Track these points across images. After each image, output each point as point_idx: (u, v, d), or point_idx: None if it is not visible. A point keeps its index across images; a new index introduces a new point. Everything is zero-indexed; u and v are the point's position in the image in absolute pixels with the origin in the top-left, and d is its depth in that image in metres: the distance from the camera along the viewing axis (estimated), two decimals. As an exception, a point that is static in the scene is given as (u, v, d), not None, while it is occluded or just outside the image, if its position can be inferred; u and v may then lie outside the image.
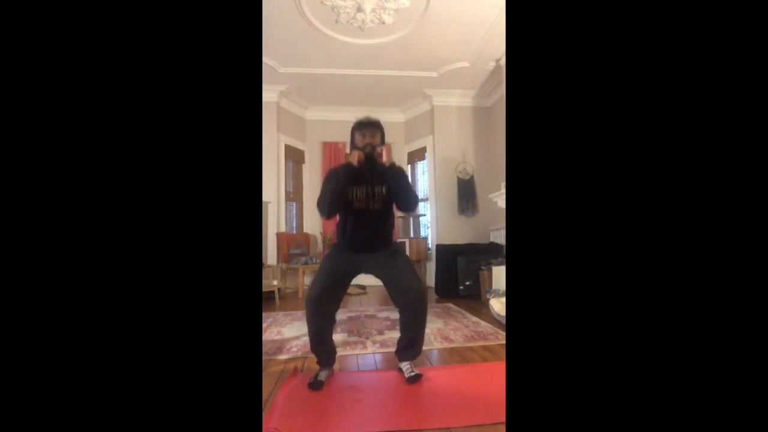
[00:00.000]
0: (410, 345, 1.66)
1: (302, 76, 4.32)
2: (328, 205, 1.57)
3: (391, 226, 1.73)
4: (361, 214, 1.62)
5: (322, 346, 1.62)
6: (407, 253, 4.51)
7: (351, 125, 1.71)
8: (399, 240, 4.70)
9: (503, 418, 1.20)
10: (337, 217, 1.70)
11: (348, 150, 1.73)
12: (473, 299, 3.75)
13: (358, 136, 1.65)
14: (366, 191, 1.62)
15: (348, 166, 1.56)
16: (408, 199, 1.63)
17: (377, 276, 1.67)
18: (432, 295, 4.15)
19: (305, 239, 4.70)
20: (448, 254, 4.13)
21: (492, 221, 4.55)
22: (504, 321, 2.61)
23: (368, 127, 1.65)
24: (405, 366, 1.66)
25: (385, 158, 1.57)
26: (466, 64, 4.10)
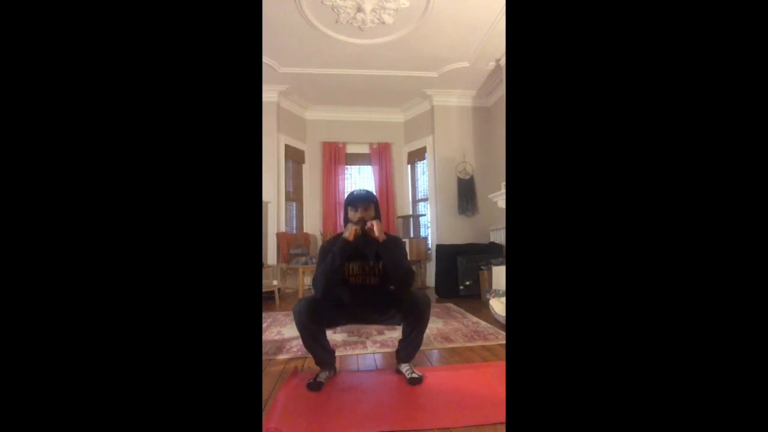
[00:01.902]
0: (410, 346, 1.66)
1: (302, 76, 4.33)
2: (324, 285, 1.52)
3: (390, 296, 1.67)
4: (358, 289, 1.61)
5: (319, 348, 1.63)
6: (407, 252, 4.50)
7: (348, 194, 1.67)
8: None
9: (503, 418, 1.20)
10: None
11: (341, 221, 1.70)
12: (473, 299, 3.75)
13: (351, 210, 1.61)
14: (362, 266, 1.61)
15: (343, 243, 1.52)
16: (400, 275, 1.56)
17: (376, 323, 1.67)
18: (432, 295, 4.15)
19: (305, 239, 4.70)
20: (448, 254, 4.13)
21: (492, 221, 4.55)
22: (504, 321, 2.61)
23: (361, 202, 1.60)
24: (405, 367, 1.66)
25: (377, 233, 1.52)
26: (466, 64, 4.10)
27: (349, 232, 1.52)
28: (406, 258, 1.67)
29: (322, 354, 1.64)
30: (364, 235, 1.54)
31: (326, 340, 1.67)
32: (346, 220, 1.63)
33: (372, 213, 1.61)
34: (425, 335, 2.34)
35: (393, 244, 1.57)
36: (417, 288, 1.69)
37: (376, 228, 1.51)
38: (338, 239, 1.60)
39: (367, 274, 1.61)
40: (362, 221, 1.56)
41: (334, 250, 1.52)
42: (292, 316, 3.07)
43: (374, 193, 1.72)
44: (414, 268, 4.63)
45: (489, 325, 2.62)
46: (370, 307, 1.64)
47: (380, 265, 1.61)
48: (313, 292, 1.58)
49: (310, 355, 1.68)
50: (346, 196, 1.67)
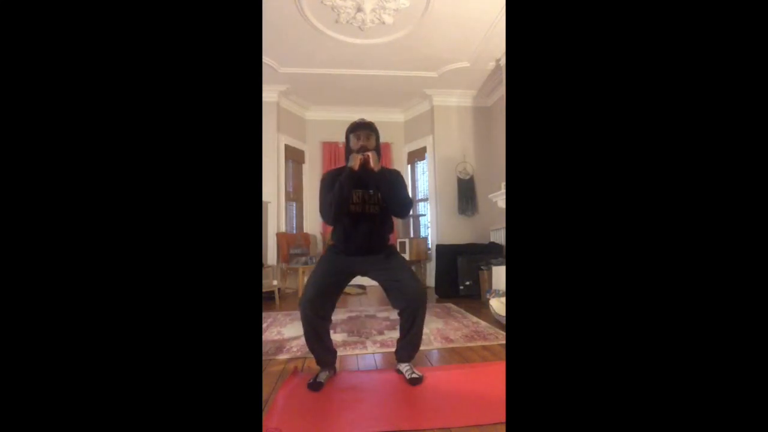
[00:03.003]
0: (409, 345, 1.66)
1: (302, 76, 4.33)
2: (334, 212, 1.57)
3: (389, 229, 1.73)
4: (358, 217, 1.63)
5: (319, 346, 1.63)
6: (407, 253, 4.51)
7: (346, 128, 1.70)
8: (399, 240, 4.69)
9: (503, 418, 1.20)
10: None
11: (344, 152, 1.71)
12: (473, 299, 3.75)
13: (353, 139, 1.66)
14: (362, 195, 1.63)
15: (350, 172, 1.55)
16: (397, 206, 1.64)
17: (374, 278, 1.68)
18: (432, 295, 4.15)
19: (305, 239, 4.70)
20: (448, 254, 4.13)
21: (492, 221, 4.54)
22: (504, 321, 2.61)
23: (363, 129, 1.65)
24: (405, 367, 1.66)
25: (372, 164, 1.55)
26: (466, 64, 4.10)
27: (354, 162, 1.55)
28: (404, 189, 1.71)
29: (323, 353, 1.64)
30: (365, 165, 1.57)
31: (329, 338, 1.67)
32: (348, 149, 1.67)
33: (373, 142, 1.66)
34: (425, 335, 2.35)
35: (389, 175, 1.62)
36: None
37: (372, 159, 1.55)
38: (342, 170, 1.63)
39: (367, 203, 1.63)
40: (363, 149, 1.60)
41: (341, 179, 1.55)
42: (292, 316, 3.07)
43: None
44: (414, 268, 4.64)
45: (489, 325, 2.62)
46: (368, 238, 1.64)
47: (379, 195, 1.64)
48: (321, 220, 1.63)
49: (310, 355, 1.68)
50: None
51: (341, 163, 1.69)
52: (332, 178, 1.63)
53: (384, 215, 1.68)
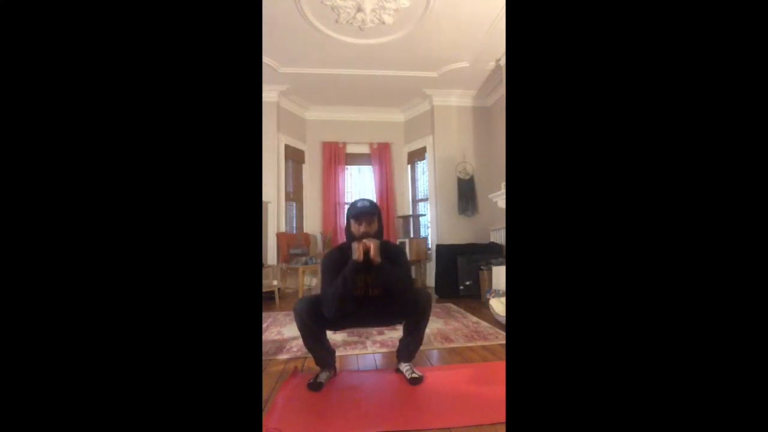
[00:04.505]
0: (411, 345, 1.67)
1: (302, 76, 4.32)
2: (337, 307, 1.52)
3: (399, 308, 1.64)
4: (362, 300, 1.61)
5: (320, 347, 1.63)
6: (407, 252, 4.50)
7: (348, 213, 1.65)
8: (399, 240, 4.69)
9: (503, 418, 1.20)
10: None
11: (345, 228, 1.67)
12: (473, 299, 3.75)
13: (354, 224, 1.60)
14: (365, 279, 1.60)
15: (354, 265, 1.51)
16: (396, 292, 1.57)
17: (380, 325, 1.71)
18: (432, 295, 4.15)
19: (305, 239, 4.70)
20: (448, 254, 4.13)
21: (492, 221, 4.54)
22: (504, 321, 2.61)
23: (365, 216, 1.59)
24: (405, 367, 1.66)
25: (372, 256, 1.50)
26: (466, 64, 4.10)
27: (358, 253, 1.50)
28: (406, 271, 1.67)
29: (323, 354, 1.64)
30: (366, 255, 1.53)
31: (327, 339, 1.67)
32: (349, 232, 1.62)
33: (375, 226, 1.60)
34: (425, 335, 2.35)
35: (388, 266, 1.55)
36: (418, 287, 1.68)
37: (372, 251, 1.50)
38: (341, 253, 1.60)
39: (370, 286, 1.61)
40: (365, 235, 1.55)
41: (345, 273, 1.51)
42: (292, 316, 3.07)
43: (376, 203, 1.71)
44: (414, 268, 4.63)
45: (489, 325, 2.62)
46: (373, 316, 1.66)
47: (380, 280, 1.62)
48: (324, 312, 1.56)
49: (310, 355, 1.68)
50: (348, 206, 1.65)
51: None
52: (334, 262, 1.59)
53: (386, 296, 1.62)
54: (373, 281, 1.60)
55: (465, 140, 4.90)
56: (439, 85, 4.58)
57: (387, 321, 1.68)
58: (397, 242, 4.65)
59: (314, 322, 1.55)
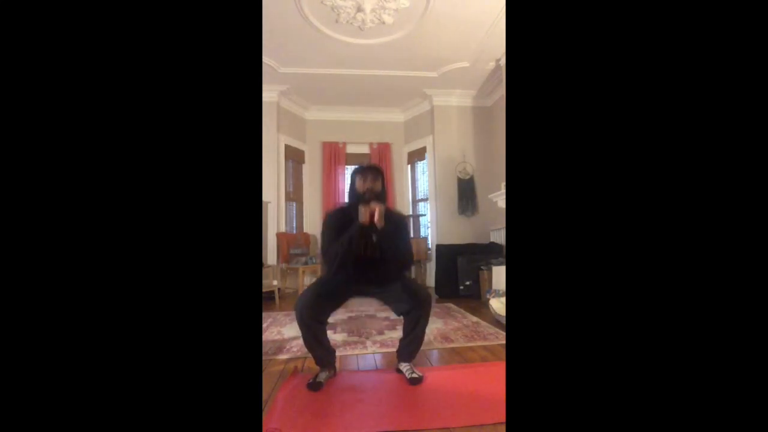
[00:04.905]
0: (411, 345, 1.67)
1: (302, 76, 4.32)
2: (339, 264, 1.56)
3: (395, 269, 1.68)
4: (360, 261, 1.62)
5: (319, 346, 1.63)
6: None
7: (353, 170, 1.69)
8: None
9: (503, 418, 1.20)
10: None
11: (347, 186, 1.72)
12: (473, 299, 3.75)
13: (359, 180, 1.63)
14: (366, 242, 1.61)
15: (360, 227, 1.54)
16: (396, 258, 1.61)
17: (378, 299, 1.70)
18: (432, 295, 4.15)
19: (305, 239, 4.70)
20: (448, 254, 4.13)
21: (492, 221, 4.54)
22: (504, 321, 2.61)
23: (370, 171, 1.63)
24: (405, 367, 1.66)
25: (376, 220, 1.53)
26: (466, 64, 4.10)
27: (365, 217, 1.53)
28: (407, 239, 1.70)
29: (322, 353, 1.64)
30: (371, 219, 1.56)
31: (327, 339, 1.67)
32: (353, 192, 1.65)
33: (379, 184, 1.63)
34: (425, 335, 2.35)
35: (392, 230, 1.59)
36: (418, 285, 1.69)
37: (377, 215, 1.53)
38: (343, 214, 1.63)
39: (370, 248, 1.62)
40: (370, 191, 1.58)
41: (351, 233, 1.54)
42: (292, 316, 3.07)
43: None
44: (414, 268, 4.63)
45: (489, 325, 2.62)
46: (372, 281, 1.66)
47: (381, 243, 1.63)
48: (325, 268, 1.62)
49: (310, 355, 1.68)
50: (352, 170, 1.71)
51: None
52: (336, 220, 1.62)
53: (385, 260, 1.64)
54: (373, 244, 1.61)
55: (465, 140, 4.90)
56: (439, 85, 4.58)
57: (385, 293, 1.68)
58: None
59: (313, 319, 1.56)
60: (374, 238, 1.60)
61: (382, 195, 1.63)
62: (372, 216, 1.53)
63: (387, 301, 1.70)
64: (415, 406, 1.40)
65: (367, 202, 1.56)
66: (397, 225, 1.65)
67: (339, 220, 1.62)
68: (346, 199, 1.72)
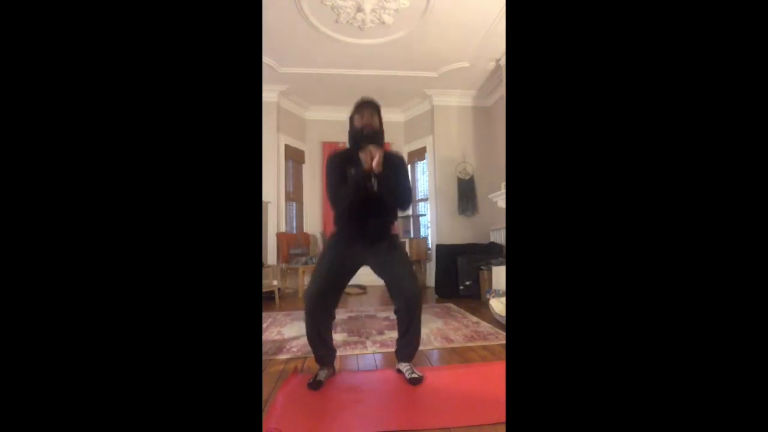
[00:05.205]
0: (408, 345, 1.67)
1: (302, 76, 4.33)
2: (347, 203, 1.59)
3: (391, 217, 1.72)
4: (360, 203, 1.61)
5: (321, 343, 1.63)
6: (407, 252, 4.51)
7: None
8: (399, 240, 4.68)
9: (503, 418, 1.20)
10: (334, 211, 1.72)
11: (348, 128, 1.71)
12: (473, 299, 3.75)
13: (357, 118, 1.66)
14: (366, 185, 1.61)
15: (363, 173, 1.55)
16: (396, 198, 1.65)
17: (374, 269, 1.67)
18: (432, 295, 4.15)
19: (305, 239, 4.70)
20: (448, 254, 4.13)
21: (492, 221, 4.54)
22: (504, 321, 2.61)
23: (366, 108, 1.65)
24: (405, 367, 1.66)
25: (374, 165, 1.54)
26: (466, 64, 4.10)
27: (367, 163, 1.55)
28: (404, 180, 1.72)
29: (325, 352, 1.64)
30: (372, 144, 1.59)
31: (330, 337, 1.67)
32: (352, 129, 1.68)
33: (376, 120, 1.66)
34: (425, 335, 2.35)
35: (389, 174, 1.60)
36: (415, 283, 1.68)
37: (375, 161, 1.54)
38: (347, 153, 1.66)
39: (369, 189, 1.62)
40: (368, 127, 1.61)
41: (356, 179, 1.56)
42: (292, 316, 3.07)
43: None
44: (414, 268, 4.63)
45: (489, 325, 2.62)
46: (369, 227, 1.63)
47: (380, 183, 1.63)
48: (332, 207, 1.69)
49: (310, 355, 1.68)
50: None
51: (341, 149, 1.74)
52: (339, 162, 1.65)
53: (383, 200, 1.65)
54: (372, 185, 1.62)
55: (465, 140, 4.90)
56: (439, 85, 4.58)
57: (381, 249, 1.66)
58: (396, 235, 4.65)
59: (319, 309, 1.57)
60: (374, 182, 1.60)
61: (379, 132, 1.65)
62: (372, 160, 1.55)
63: (384, 276, 1.66)
64: (415, 406, 1.40)
65: (365, 139, 1.59)
66: (396, 167, 1.67)
67: (341, 163, 1.64)
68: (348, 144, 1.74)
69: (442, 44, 3.71)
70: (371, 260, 1.66)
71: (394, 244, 1.70)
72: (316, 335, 1.60)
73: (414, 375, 1.60)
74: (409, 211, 5.26)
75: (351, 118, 1.69)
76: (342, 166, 1.63)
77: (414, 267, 4.54)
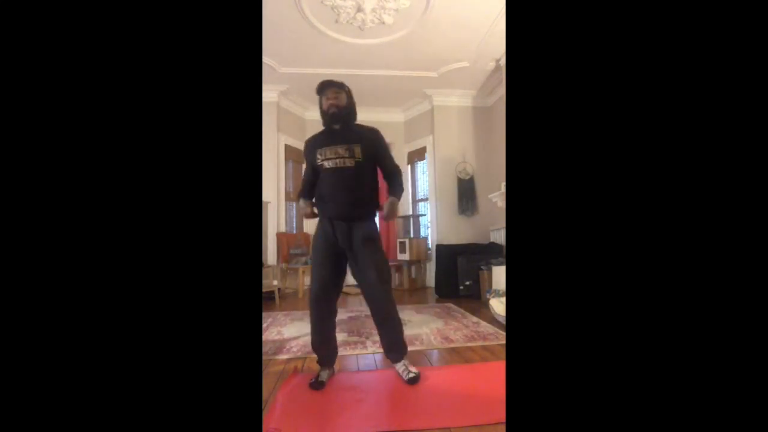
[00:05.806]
0: (393, 346, 1.66)
1: (302, 76, 4.32)
2: (315, 195, 1.64)
3: (370, 188, 1.64)
4: (334, 173, 1.57)
5: (325, 344, 1.63)
6: (407, 253, 4.50)
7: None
8: (399, 240, 4.69)
9: (503, 418, 1.20)
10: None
11: (322, 108, 1.66)
12: (473, 299, 3.75)
13: (322, 99, 1.63)
14: (336, 150, 1.58)
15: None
16: (388, 180, 1.69)
17: (351, 260, 1.63)
18: (432, 295, 4.15)
19: (305, 239, 4.69)
20: (448, 254, 4.13)
21: (492, 221, 4.54)
22: (504, 321, 2.61)
23: (330, 87, 1.62)
24: (400, 367, 1.65)
25: (385, 215, 1.60)
26: (466, 64, 4.10)
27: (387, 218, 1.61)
28: (388, 159, 1.73)
29: (327, 352, 1.65)
30: (340, 122, 1.60)
31: (335, 338, 1.68)
32: (321, 110, 1.65)
33: (343, 99, 1.62)
34: (425, 335, 2.35)
35: (368, 135, 1.65)
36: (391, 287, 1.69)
37: (385, 211, 1.60)
38: (315, 141, 1.68)
39: (342, 157, 1.58)
40: (333, 107, 1.59)
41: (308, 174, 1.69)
42: (292, 316, 3.07)
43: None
44: (414, 268, 4.63)
45: (489, 325, 2.62)
46: (346, 195, 1.57)
47: (357, 149, 1.59)
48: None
49: (310, 355, 1.68)
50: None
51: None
52: (311, 148, 1.67)
53: (362, 172, 1.59)
54: (345, 152, 1.59)
55: (465, 140, 4.90)
56: (439, 85, 4.58)
57: (358, 240, 1.61)
58: (397, 242, 4.66)
59: (323, 297, 1.60)
60: (348, 146, 1.58)
61: (346, 109, 1.62)
62: (331, 104, 1.58)
63: (355, 270, 1.63)
64: (415, 406, 1.40)
65: (332, 119, 1.59)
66: (375, 146, 1.66)
67: (312, 148, 1.66)
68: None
69: (442, 44, 3.71)
70: (350, 245, 1.61)
71: (371, 237, 1.61)
72: (322, 336, 1.61)
73: (410, 375, 1.59)
74: (409, 211, 5.26)
75: (319, 103, 1.67)
76: (313, 152, 1.64)
77: (413, 268, 4.54)
